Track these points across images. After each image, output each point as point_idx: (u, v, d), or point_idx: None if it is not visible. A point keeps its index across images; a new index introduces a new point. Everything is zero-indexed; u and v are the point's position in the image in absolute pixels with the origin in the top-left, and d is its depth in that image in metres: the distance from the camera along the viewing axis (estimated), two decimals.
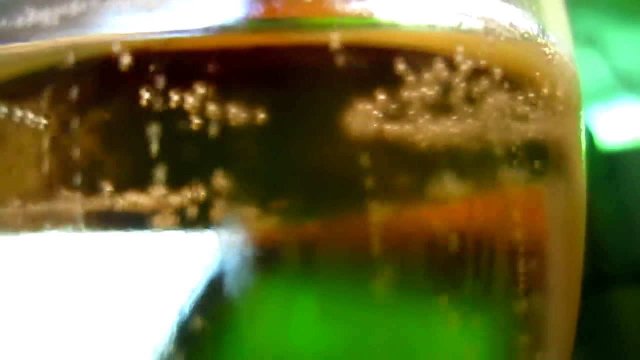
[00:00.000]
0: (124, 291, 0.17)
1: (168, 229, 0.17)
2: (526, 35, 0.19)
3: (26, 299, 0.17)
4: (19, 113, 0.17)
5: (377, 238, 0.17)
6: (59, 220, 0.17)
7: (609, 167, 0.43)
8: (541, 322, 0.19)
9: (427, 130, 0.17)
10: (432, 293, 0.17)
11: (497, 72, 0.18)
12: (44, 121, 0.17)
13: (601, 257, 0.41)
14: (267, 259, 0.17)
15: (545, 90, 0.19)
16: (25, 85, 0.17)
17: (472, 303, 0.18)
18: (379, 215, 0.17)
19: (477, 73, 0.18)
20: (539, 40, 0.19)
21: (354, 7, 0.17)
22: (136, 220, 0.17)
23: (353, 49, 0.17)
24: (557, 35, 0.20)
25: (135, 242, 0.17)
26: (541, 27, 0.19)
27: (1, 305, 0.17)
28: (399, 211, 0.17)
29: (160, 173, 0.17)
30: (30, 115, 0.17)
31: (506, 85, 0.18)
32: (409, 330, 0.17)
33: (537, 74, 0.19)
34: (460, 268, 0.17)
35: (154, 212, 0.17)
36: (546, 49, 0.19)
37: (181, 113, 0.17)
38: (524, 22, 0.19)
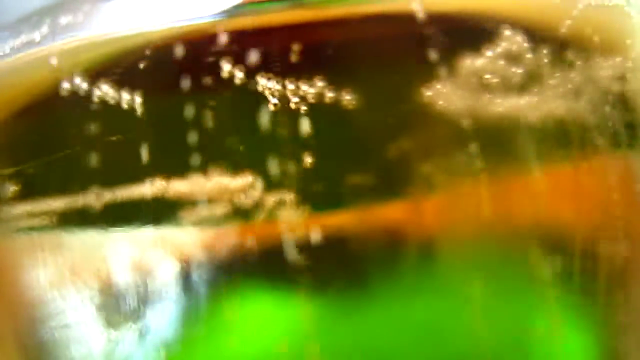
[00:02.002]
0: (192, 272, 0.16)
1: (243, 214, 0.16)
2: (612, 2, 0.18)
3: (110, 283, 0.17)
4: (114, 95, 0.17)
5: (487, 214, 0.16)
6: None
7: None
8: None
9: (515, 101, 0.17)
10: (540, 268, 0.17)
11: (590, 39, 0.18)
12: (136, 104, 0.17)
13: None
14: (389, 242, 0.16)
15: (634, 56, 0.18)
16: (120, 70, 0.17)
17: (580, 280, 0.17)
18: (489, 189, 0.16)
19: (569, 41, 0.17)
20: (625, 7, 0.19)
21: None
22: (217, 203, 0.16)
23: (442, 19, 0.16)
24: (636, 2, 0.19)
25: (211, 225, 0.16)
26: None
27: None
28: (505, 185, 0.17)
29: (239, 156, 0.16)
30: (125, 97, 0.17)
31: (599, 53, 0.18)
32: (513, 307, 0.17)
33: (626, 40, 0.18)
34: (568, 242, 0.17)
35: (233, 195, 0.16)
36: (631, 15, 0.19)
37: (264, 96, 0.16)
38: None
